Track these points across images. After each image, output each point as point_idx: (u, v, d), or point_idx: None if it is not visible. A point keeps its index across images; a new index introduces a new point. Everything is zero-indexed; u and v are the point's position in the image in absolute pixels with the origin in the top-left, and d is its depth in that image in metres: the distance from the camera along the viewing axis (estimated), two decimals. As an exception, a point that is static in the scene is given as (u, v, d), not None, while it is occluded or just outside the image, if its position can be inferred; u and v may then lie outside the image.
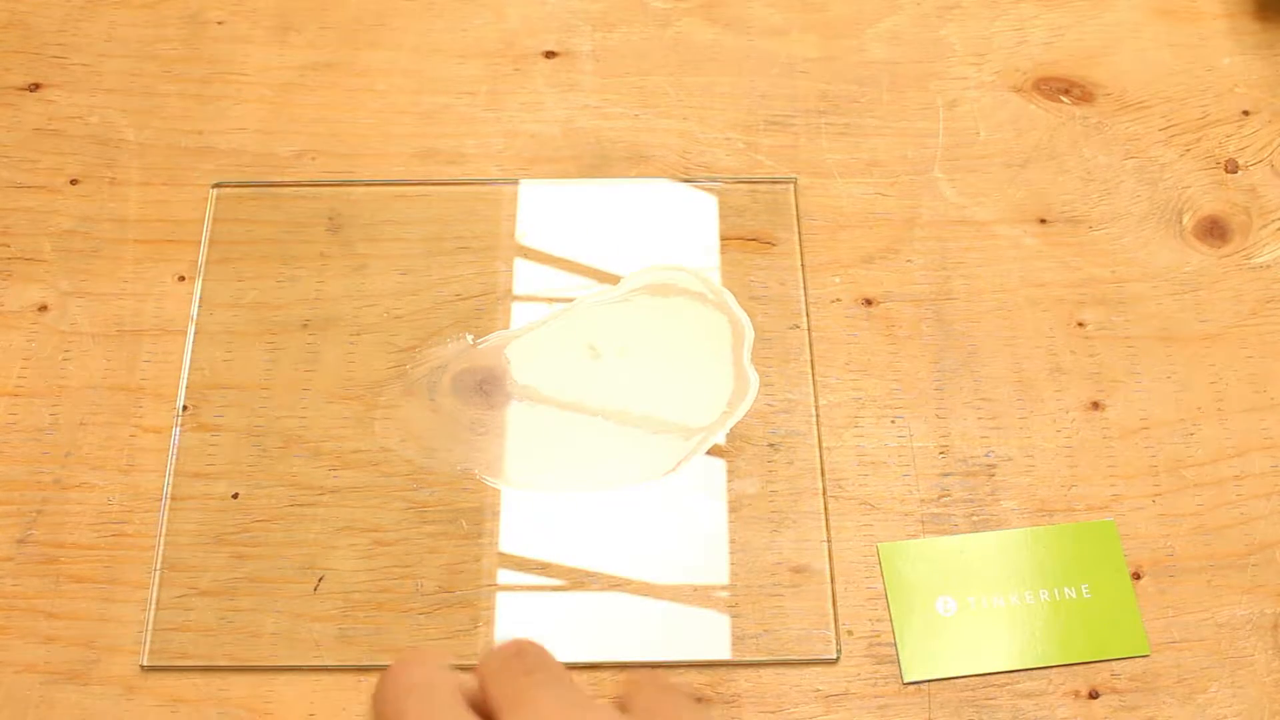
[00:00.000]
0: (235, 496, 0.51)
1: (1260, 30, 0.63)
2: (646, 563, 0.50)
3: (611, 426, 0.53)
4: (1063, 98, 0.61)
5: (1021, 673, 0.48)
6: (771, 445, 0.52)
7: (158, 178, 0.58)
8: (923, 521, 0.51)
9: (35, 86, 0.61)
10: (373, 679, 0.48)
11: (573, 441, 0.53)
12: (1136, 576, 0.50)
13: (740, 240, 0.57)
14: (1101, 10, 0.63)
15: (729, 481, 0.52)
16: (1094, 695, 0.48)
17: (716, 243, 0.57)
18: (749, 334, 0.54)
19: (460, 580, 0.50)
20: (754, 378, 0.54)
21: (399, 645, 0.49)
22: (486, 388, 0.54)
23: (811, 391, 0.53)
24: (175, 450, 0.52)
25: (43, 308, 0.55)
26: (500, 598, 0.50)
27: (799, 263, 0.56)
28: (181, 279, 0.56)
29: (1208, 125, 0.60)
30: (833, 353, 0.54)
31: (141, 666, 0.48)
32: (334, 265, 0.56)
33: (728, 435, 0.53)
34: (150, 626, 0.49)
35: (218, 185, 0.58)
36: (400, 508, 0.51)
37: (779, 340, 0.55)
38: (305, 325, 0.55)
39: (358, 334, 0.55)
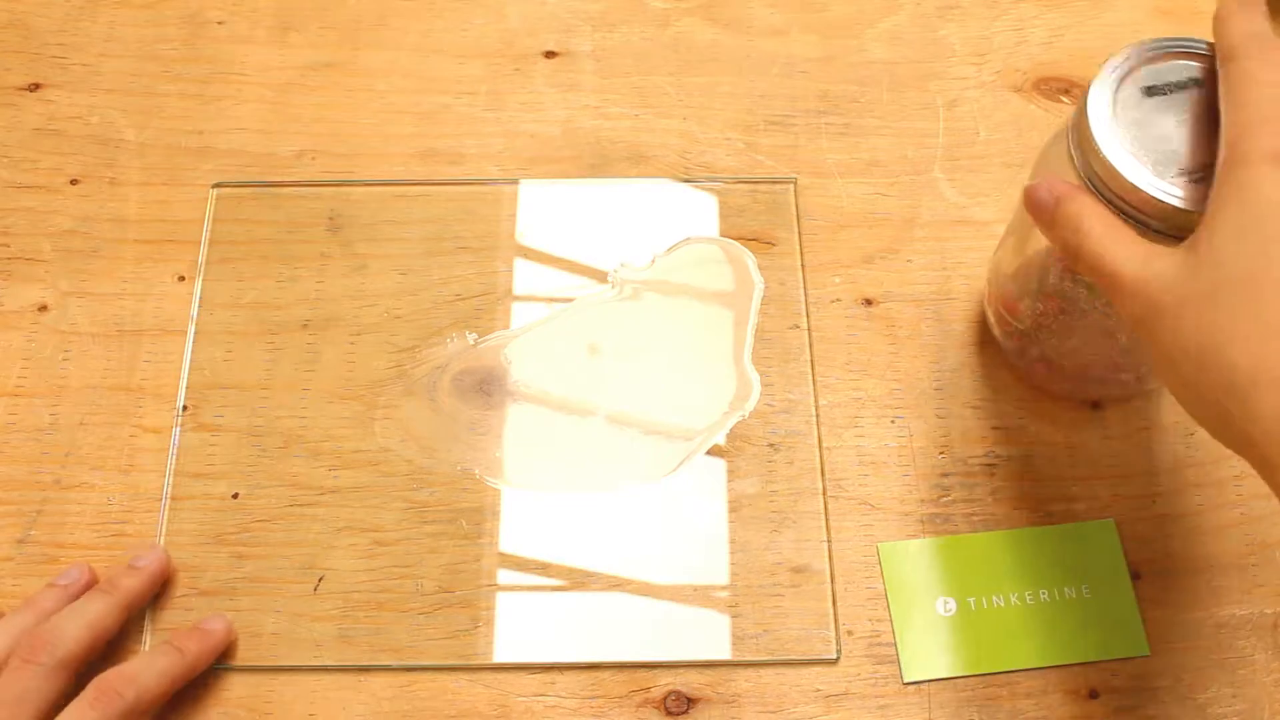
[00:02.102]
0: (235, 496, 0.51)
1: (1260, 30, 0.62)
2: (646, 563, 0.50)
3: (611, 426, 0.53)
4: (1063, 98, 0.61)
5: (1021, 673, 0.48)
6: (771, 445, 0.52)
7: (158, 178, 0.58)
8: (923, 521, 0.51)
9: (35, 86, 0.61)
10: (372, 679, 0.48)
11: (573, 441, 0.53)
12: (1136, 576, 0.50)
13: (740, 240, 0.57)
14: (1101, 10, 0.63)
15: (729, 481, 0.52)
16: (1094, 695, 0.48)
17: (716, 243, 0.57)
18: (759, 288, 0.54)
19: (460, 580, 0.50)
20: (755, 378, 0.54)
21: (399, 645, 0.49)
22: (486, 388, 0.54)
23: (811, 391, 0.53)
24: (175, 450, 0.52)
25: (43, 308, 0.55)
26: (500, 598, 0.50)
27: (799, 263, 0.56)
28: (181, 279, 0.56)
29: (1208, 125, 0.60)
30: (833, 353, 0.54)
31: (141, 666, 0.48)
32: (334, 265, 0.56)
33: (727, 435, 0.53)
34: (150, 626, 0.49)
35: (218, 185, 0.58)
36: (400, 508, 0.51)
37: (779, 340, 0.55)
38: (305, 325, 0.55)
39: (358, 334, 0.55)
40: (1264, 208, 0.36)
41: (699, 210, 0.58)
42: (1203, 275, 0.37)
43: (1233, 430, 0.36)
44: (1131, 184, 0.41)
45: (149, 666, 0.45)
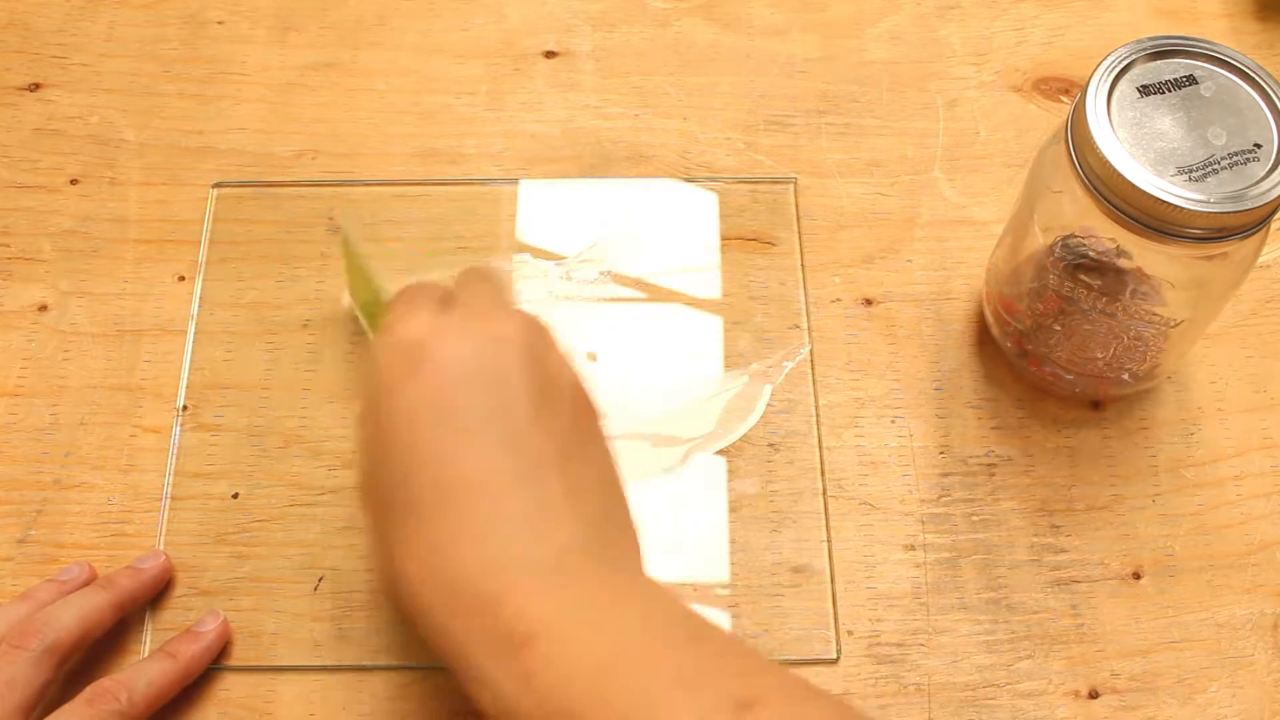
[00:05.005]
0: (235, 496, 0.51)
1: (1260, 30, 0.63)
2: (646, 562, 0.50)
3: (612, 426, 0.53)
4: (1062, 98, 0.61)
5: (1022, 672, 0.48)
6: (771, 445, 0.52)
7: (158, 178, 0.58)
8: (923, 521, 0.51)
9: (35, 86, 0.61)
10: (372, 679, 0.48)
11: (573, 441, 0.52)
12: (1136, 576, 0.50)
13: (740, 240, 0.57)
14: (1101, 10, 0.63)
15: (729, 481, 0.52)
16: (1094, 695, 0.48)
17: (717, 242, 0.57)
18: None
19: (460, 580, 0.50)
20: (765, 388, 0.53)
21: (399, 645, 0.49)
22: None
23: (811, 391, 0.53)
24: (175, 450, 0.52)
25: (43, 308, 0.55)
26: (500, 598, 0.49)
27: (799, 262, 0.56)
28: (181, 279, 0.56)
29: (1208, 125, 0.60)
30: (833, 353, 0.54)
31: (141, 666, 0.48)
32: (334, 265, 0.56)
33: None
34: (150, 626, 0.49)
35: (218, 185, 0.58)
36: (400, 508, 0.51)
37: (779, 340, 0.55)
38: (305, 325, 0.55)
39: (358, 334, 0.55)
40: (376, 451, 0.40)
41: (699, 210, 0.58)
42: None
43: None
44: (1129, 182, 0.41)
45: (143, 674, 0.45)
